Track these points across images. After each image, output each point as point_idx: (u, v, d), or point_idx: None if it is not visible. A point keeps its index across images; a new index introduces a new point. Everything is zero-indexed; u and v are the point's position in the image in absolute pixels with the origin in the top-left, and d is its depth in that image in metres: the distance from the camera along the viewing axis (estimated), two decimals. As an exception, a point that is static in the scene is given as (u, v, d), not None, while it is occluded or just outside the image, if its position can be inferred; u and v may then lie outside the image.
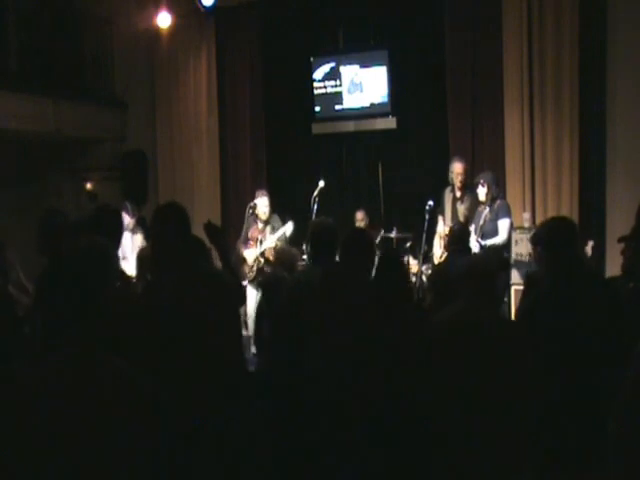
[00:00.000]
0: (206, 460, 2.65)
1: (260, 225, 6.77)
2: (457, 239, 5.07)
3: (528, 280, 4.25)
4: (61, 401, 1.82)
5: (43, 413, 1.81)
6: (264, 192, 6.88)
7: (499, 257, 5.66)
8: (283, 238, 6.60)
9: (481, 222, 5.99)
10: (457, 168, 6.48)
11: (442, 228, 6.49)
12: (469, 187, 6.49)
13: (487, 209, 6.02)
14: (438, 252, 6.42)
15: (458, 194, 6.49)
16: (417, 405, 2.78)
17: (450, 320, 2.96)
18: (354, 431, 2.77)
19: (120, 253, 6.27)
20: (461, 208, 6.44)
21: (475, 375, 2.74)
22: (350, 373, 2.84)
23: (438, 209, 6.62)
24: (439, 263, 6.07)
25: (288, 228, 6.62)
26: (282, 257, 4.87)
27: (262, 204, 6.75)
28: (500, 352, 2.82)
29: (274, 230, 6.73)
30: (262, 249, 6.60)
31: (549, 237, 3.23)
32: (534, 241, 3.44)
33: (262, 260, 6.60)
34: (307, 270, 4.29)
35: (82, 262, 1.95)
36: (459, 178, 6.45)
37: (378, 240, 6.73)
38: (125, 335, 2.46)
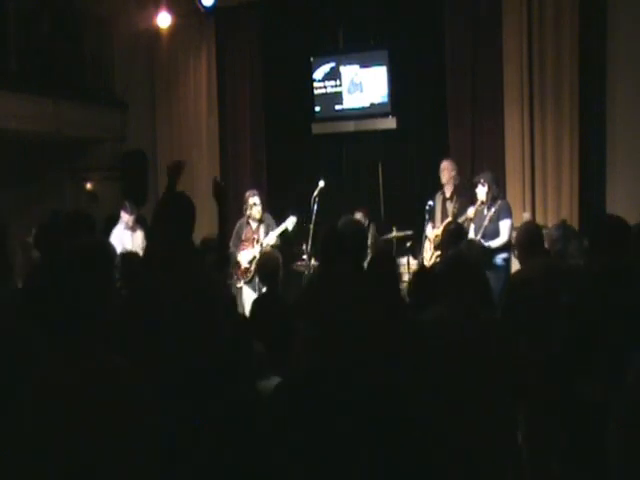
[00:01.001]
0: (205, 459, 2.64)
1: (254, 225, 6.78)
2: (453, 238, 5.04)
3: (513, 281, 4.22)
4: (61, 401, 1.82)
5: (43, 413, 1.81)
6: (254, 192, 6.90)
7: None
8: (283, 233, 6.63)
9: (486, 222, 5.99)
10: (442, 164, 6.53)
11: (431, 232, 6.50)
12: (459, 188, 6.50)
13: (489, 210, 6.01)
14: (428, 255, 6.43)
15: (447, 194, 6.51)
16: (416, 405, 2.79)
17: (436, 321, 2.97)
18: (354, 432, 2.77)
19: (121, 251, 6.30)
20: (450, 207, 6.45)
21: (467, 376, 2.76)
22: (350, 373, 2.84)
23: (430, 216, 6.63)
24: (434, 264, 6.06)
25: (290, 223, 6.64)
26: (261, 268, 4.83)
27: (256, 203, 6.77)
28: (485, 353, 2.83)
29: (268, 228, 6.74)
30: (262, 247, 6.61)
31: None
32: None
33: None
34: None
35: (83, 262, 1.95)
36: (443, 173, 6.48)
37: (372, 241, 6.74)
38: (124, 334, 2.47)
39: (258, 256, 6.39)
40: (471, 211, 6.14)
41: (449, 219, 6.30)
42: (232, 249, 6.82)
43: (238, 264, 6.73)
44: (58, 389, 1.83)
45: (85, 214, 4.22)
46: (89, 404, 1.81)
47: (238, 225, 6.87)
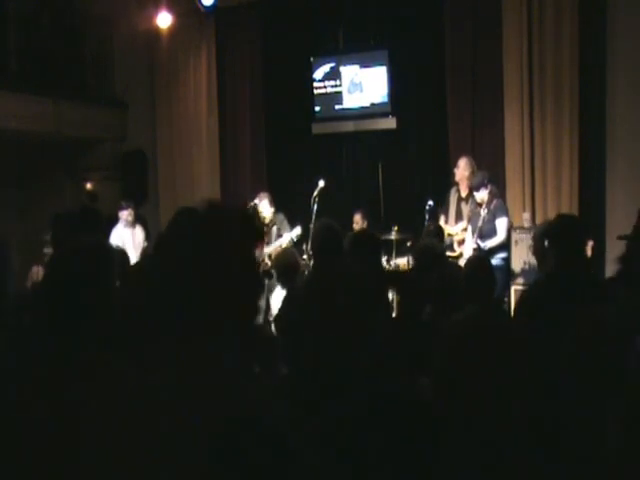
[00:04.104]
0: (207, 460, 2.64)
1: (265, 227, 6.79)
2: (433, 238, 5.01)
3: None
4: (61, 402, 1.81)
5: (42, 413, 1.81)
6: (265, 194, 6.88)
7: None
8: (290, 242, 6.59)
9: (480, 223, 5.97)
10: (459, 162, 6.48)
11: (452, 230, 6.47)
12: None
13: (485, 210, 6.01)
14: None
15: (463, 194, 6.46)
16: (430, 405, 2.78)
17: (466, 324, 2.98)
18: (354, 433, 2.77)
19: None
20: (466, 208, 6.41)
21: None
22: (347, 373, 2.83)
23: (441, 209, 6.61)
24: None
25: (295, 234, 6.61)
26: (280, 267, 4.81)
27: (263, 207, 6.75)
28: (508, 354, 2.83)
29: (280, 230, 6.73)
30: (269, 251, 6.61)
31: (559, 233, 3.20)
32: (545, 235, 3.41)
33: (269, 263, 6.62)
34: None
35: (83, 262, 1.95)
36: (457, 171, 6.44)
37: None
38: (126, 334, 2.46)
39: (266, 258, 6.43)
40: (484, 212, 6.08)
41: (464, 223, 6.28)
42: None
43: None
44: (57, 389, 1.82)
45: (93, 210, 4.22)
46: (89, 404, 1.81)
47: None
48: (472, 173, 6.41)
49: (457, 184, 6.52)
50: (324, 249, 3.84)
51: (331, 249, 3.79)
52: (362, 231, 4.98)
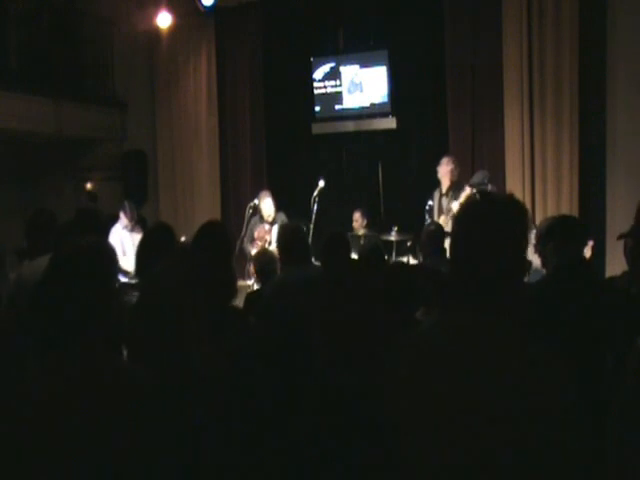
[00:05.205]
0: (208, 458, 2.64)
1: (267, 226, 6.79)
2: (433, 239, 4.96)
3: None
4: (61, 402, 1.81)
5: (43, 414, 1.81)
6: (267, 193, 6.88)
7: None
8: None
9: None
10: (442, 159, 6.54)
11: None
12: (455, 184, 6.51)
13: None
14: None
15: (443, 189, 6.53)
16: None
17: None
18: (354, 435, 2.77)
19: (120, 251, 6.30)
20: (445, 203, 6.46)
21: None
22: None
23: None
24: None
25: None
26: (261, 266, 4.81)
27: (266, 206, 6.75)
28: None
29: None
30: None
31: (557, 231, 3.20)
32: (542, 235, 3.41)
33: None
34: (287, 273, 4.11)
35: (85, 261, 1.94)
36: (440, 168, 6.52)
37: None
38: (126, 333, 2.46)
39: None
40: (455, 206, 6.10)
41: (444, 217, 6.31)
42: (246, 245, 6.85)
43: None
44: (57, 389, 1.83)
45: (94, 212, 4.23)
46: (89, 404, 1.81)
47: (252, 222, 6.88)
48: (455, 168, 6.49)
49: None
50: (294, 258, 3.83)
51: (299, 257, 3.79)
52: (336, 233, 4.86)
